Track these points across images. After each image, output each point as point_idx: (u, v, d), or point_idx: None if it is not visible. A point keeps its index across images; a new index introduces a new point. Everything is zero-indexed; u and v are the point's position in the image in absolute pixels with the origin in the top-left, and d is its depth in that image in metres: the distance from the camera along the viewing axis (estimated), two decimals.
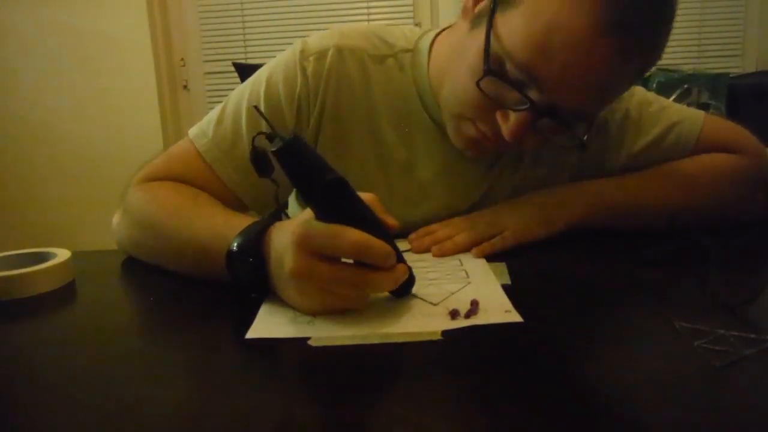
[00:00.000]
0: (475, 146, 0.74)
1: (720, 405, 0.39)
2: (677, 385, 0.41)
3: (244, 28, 2.54)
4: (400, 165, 0.82)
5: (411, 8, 2.54)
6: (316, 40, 0.80)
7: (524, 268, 0.66)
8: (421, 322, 0.52)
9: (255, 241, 0.56)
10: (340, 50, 0.79)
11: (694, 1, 2.34)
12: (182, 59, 2.59)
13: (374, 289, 0.54)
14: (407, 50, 0.81)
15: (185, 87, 2.61)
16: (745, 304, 0.51)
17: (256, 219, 0.61)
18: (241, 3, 2.52)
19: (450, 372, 0.43)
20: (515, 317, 0.52)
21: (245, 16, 2.53)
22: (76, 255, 0.70)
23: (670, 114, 0.85)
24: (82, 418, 0.40)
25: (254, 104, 0.74)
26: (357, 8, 2.52)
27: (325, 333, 0.51)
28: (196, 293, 0.64)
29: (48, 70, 2.44)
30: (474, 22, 0.69)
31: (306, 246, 0.51)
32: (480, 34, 0.66)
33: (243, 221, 0.60)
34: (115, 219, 0.77)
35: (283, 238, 0.54)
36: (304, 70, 0.77)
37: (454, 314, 0.53)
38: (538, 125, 0.66)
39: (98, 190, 2.43)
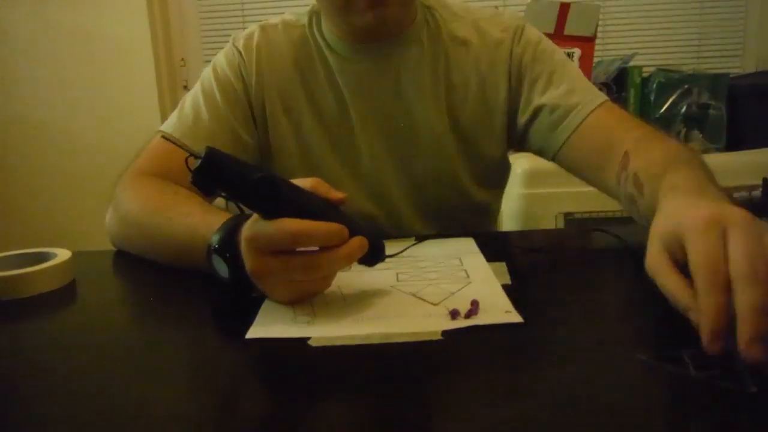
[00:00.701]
0: (370, 6, 0.78)
1: (719, 405, 0.39)
2: (677, 385, 0.41)
3: (244, 28, 2.54)
4: (339, 121, 0.89)
5: None
6: (243, 31, 0.94)
7: (524, 268, 0.66)
8: (421, 322, 0.52)
9: (230, 238, 0.58)
10: (263, 28, 0.92)
11: (694, 1, 2.34)
12: (182, 59, 2.58)
13: (329, 268, 0.55)
14: (313, 12, 0.92)
15: (185, 87, 2.61)
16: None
17: (231, 215, 0.62)
18: (242, 3, 2.52)
19: (450, 372, 0.43)
20: (515, 317, 0.52)
21: (245, 16, 2.53)
22: (76, 255, 0.70)
23: (581, 83, 0.87)
24: (82, 417, 0.40)
25: (207, 85, 0.89)
26: None
27: (325, 333, 0.51)
28: (196, 293, 0.64)
29: (48, 70, 2.44)
30: None
31: (255, 246, 0.53)
32: None
33: (219, 217, 0.62)
34: (107, 218, 0.82)
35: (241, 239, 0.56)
36: (237, 48, 0.91)
37: (454, 314, 0.53)
38: None
39: (98, 190, 2.41)
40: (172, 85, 2.56)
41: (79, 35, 2.41)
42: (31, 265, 0.65)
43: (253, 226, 0.54)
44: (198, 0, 2.53)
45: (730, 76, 1.86)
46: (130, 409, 0.41)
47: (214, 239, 0.59)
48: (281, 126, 0.89)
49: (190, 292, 0.65)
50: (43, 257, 0.69)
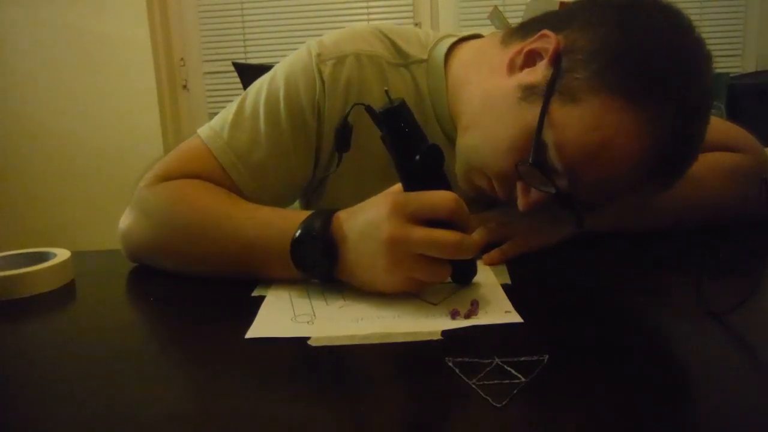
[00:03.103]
0: (478, 192, 0.72)
1: (717, 406, 0.39)
2: (677, 385, 0.41)
3: (243, 28, 2.54)
4: None
5: (411, 8, 2.54)
6: (332, 42, 0.77)
7: (524, 268, 0.66)
8: (421, 322, 0.52)
9: (323, 226, 0.58)
10: (359, 57, 0.76)
11: (694, 1, 2.34)
12: (182, 59, 2.59)
13: (466, 251, 0.55)
14: (421, 60, 0.79)
15: (185, 87, 2.61)
16: (731, 311, 0.50)
17: (299, 210, 0.63)
18: (241, 3, 2.52)
19: (450, 372, 0.43)
20: (515, 318, 0.52)
21: (245, 16, 2.53)
22: (76, 255, 0.70)
23: None
24: (82, 417, 0.40)
25: (273, 106, 0.73)
26: (357, 8, 2.52)
27: (324, 333, 0.51)
28: (196, 293, 0.64)
29: (47, 70, 2.44)
30: (525, 93, 0.65)
31: (402, 211, 0.54)
32: (529, 112, 0.63)
33: (294, 212, 0.62)
34: (126, 224, 0.72)
35: (370, 213, 0.56)
36: (321, 74, 0.74)
37: (454, 314, 0.53)
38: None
39: (98, 190, 2.43)
40: (171, 84, 2.57)
41: (78, 35, 2.42)
42: (31, 265, 0.65)
43: (400, 194, 0.55)
44: (198, 0, 2.53)
45: (730, 75, 1.87)
46: (130, 409, 0.41)
47: (303, 228, 0.58)
48: (346, 170, 0.75)
49: (190, 292, 0.65)
50: (42, 257, 0.69)
